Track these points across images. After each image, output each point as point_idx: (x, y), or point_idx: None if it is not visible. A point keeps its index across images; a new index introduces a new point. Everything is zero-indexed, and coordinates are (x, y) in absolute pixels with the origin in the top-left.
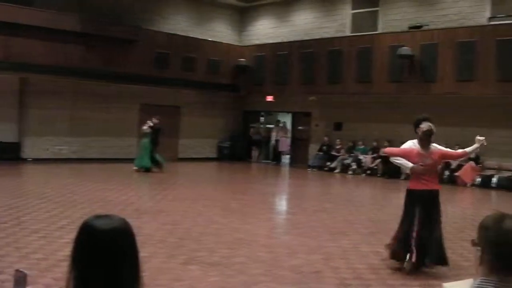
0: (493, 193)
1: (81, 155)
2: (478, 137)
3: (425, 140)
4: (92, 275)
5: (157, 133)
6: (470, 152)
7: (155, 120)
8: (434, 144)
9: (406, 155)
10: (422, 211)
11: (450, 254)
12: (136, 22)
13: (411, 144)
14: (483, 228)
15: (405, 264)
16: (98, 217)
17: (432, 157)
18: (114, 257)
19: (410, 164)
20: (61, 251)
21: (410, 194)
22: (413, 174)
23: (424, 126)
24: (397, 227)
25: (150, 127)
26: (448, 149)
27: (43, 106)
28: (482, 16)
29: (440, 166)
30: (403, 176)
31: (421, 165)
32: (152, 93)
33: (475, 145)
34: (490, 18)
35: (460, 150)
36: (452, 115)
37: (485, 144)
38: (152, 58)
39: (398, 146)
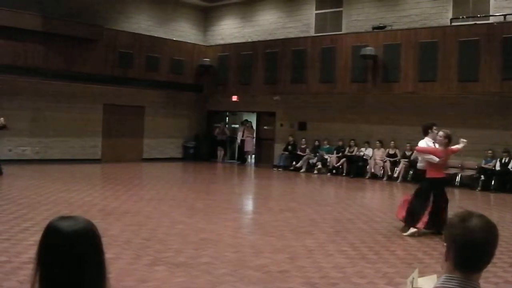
0: (456, 191)
1: (44, 156)
2: (462, 140)
3: (448, 141)
4: (57, 277)
5: None
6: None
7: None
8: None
9: (433, 152)
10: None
11: (414, 251)
12: (98, 22)
13: (427, 142)
14: (450, 225)
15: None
16: (63, 218)
17: (447, 153)
18: (78, 259)
19: (437, 159)
20: (26, 253)
21: (431, 181)
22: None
23: (445, 131)
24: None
25: None
26: (453, 147)
27: (3, 106)
28: (444, 17)
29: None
30: (367, 175)
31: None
32: (115, 93)
33: (461, 145)
34: (452, 19)
35: (455, 147)
36: (414, 115)
37: (467, 144)
38: (115, 57)
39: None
